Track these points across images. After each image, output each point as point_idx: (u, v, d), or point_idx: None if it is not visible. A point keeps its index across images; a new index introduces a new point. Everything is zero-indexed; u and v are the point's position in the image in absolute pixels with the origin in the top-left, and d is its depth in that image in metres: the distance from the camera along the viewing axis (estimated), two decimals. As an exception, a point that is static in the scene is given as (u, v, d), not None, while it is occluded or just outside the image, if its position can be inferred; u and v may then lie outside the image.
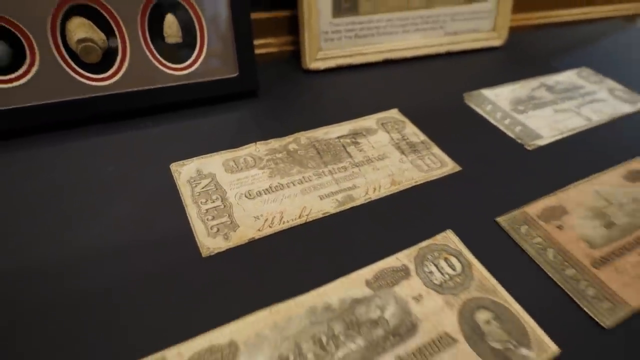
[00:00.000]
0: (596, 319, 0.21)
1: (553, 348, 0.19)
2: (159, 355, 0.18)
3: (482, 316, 0.21)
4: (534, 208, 0.27)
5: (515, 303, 0.21)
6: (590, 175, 0.30)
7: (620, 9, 0.62)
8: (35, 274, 0.21)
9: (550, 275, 0.23)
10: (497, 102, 0.37)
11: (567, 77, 0.43)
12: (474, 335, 0.20)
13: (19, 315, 0.19)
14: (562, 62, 0.46)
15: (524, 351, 0.19)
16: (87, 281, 0.21)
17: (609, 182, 0.30)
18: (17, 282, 0.20)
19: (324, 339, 0.19)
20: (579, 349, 0.20)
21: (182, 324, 0.19)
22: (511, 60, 0.45)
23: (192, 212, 0.25)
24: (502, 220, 0.26)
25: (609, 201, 0.28)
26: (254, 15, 0.37)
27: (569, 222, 0.26)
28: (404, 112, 0.35)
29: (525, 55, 0.46)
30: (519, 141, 0.33)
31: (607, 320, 0.21)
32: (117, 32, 0.29)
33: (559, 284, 0.22)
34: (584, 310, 0.21)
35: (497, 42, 0.46)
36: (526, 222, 0.26)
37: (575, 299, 0.22)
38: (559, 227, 0.26)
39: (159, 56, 0.30)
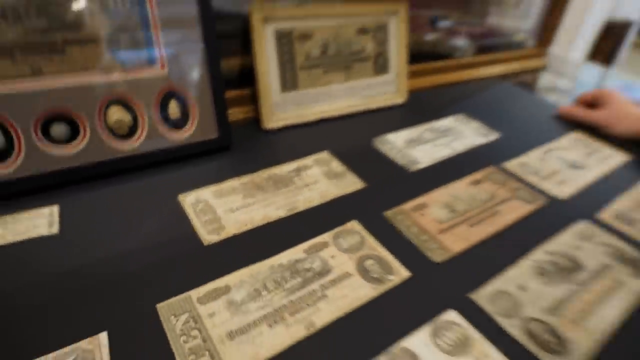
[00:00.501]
0: (433, 258, 0.37)
1: (406, 274, 0.35)
2: (185, 294, 0.32)
3: (368, 262, 0.36)
4: (409, 205, 0.44)
5: (388, 255, 0.37)
6: (448, 183, 0.47)
7: (495, 70, 0.83)
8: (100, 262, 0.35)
9: (411, 240, 0.39)
10: (396, 142, 0.55)
11: (447, 122, 0.61)
12: (363, 271, 0.35)
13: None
14: (446, 111, 0.65)
15: (390, 277, 0.35)
16: (134, 264, 0.35)
17: (459, 187, 0.47)
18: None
19: (279, 280, 0.34)
20: (421, 274, 0.36)
21: (198, 278, 0.34)
22: (410, 112, 0.63)
23: (195, 222, 0.40)
24: (388, 213, 0.42)
25: (455, 197, 0.45)
26: (228, 94, 0.54)
27: (428, 211, 0.43)
28: (332, 153, 0.51)
29: (420, 108, 0.65)
30: (406, 167, 0.50)
31: (438, 258, 0.37)
32: (137, 114, 0.45)
33: (416, 244, 0.39)
34: (425, 255, 0.37)
35: (399, 101, 0.64)
36: (402, 213, 0.42)
37: (422, 250, 0.38)
38: (422, 214, 0.42)
39: (166, 126, 0.46)
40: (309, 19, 0.55)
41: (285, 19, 0.53)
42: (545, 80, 0.88)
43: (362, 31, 0.59)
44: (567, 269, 0.38)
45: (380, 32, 0.61)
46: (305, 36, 0.55)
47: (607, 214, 0.46)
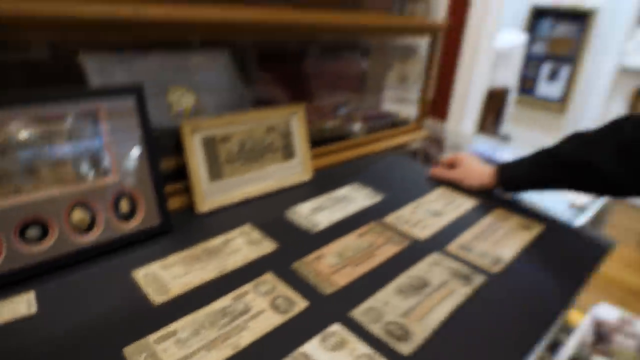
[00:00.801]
0: (324, 291, 0.52)
1: (305, 304, 0.50)
2: (145, 339, 0.45)
3: (278, 300, 0.51)
4: (310, 257, 0.59)
5: (293, 293, 0.52)
6: (341, 237, 0.64)
7: (385, 145, 1.05)
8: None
9: (310, 281, 0.54)
10: (302, 211, 0.71)
11: (343, 191, 0.79)
12: (274, 307, 0.49)
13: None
14: (343, 182, 0.83)
15: (293, 308, 0.49)
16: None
17: (348, 239, 0.64)
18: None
19: (213, 320, 0.47)
20: (316, 303, 0.50)
21: (153, 327, 0.46)
22: (314, 187, 0.81)
23: (147, 290, 0.52)
24: (294, 264, 0.57)
25: (345, 247, 0.61)
26: (167, 188, 0.68)
27: (324, 259, 0.59)
28: (253, 225, 0.67)
29: (323, 182, 0.83)
30: (310, 229, 0.66)
31: (328, 290, 0.52)
32: (96, 213, 0.58)
33: (313, 283, 0.54)
34: (319, 290, 0.52)
35: (306, 178, 0.82)
36: (304, 264, 0.58)
37: (317, 287, 0.53)
38: (319, 262, 0.58)
39: (118, 220, 0.60)
40: (228, 126, 0.72)
41: (209, 128, 0.70)
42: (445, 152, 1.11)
43: (271, 129, 0.78)
44: (418, 286, 0.54)
45: (285, 128, 0.80)
46: (225, 138, 0.72)
47: (453, 246, 0.64)
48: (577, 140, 0.71)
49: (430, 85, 1.12)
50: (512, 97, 2.62)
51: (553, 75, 3.31)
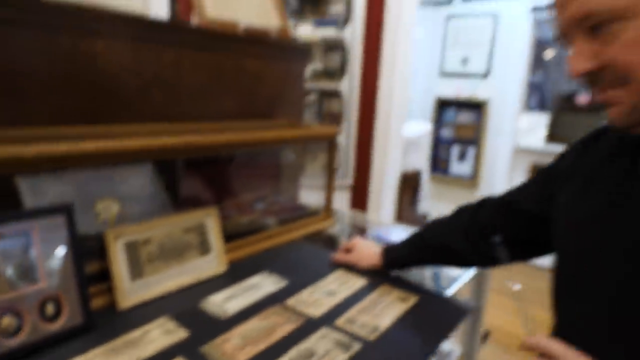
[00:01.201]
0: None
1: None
2: None
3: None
4: (219, 340, 0.70)
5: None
6: (247, 321, 0.75)
7: (297, 234, 1.21)
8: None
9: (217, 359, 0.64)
10: (216, 300, 0.82)
11: (254, 279, 0.92)
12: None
13: None
14: (255, 271, 0.96)
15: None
16: None
17: (254, 322, 0.75)
18: None
19: None
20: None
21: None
22: (229, 277, 0.93)
23: (69, 383, 0.60)
24: (204, 347, 0.68)
25: (251, 329, 0.73)
26: (92, 288, 0.77)
27: (231, 341, 0.69)
28: (169, 317, 0.76)
29: (237, 273, 0.95)
30: (221, 316, 0.77)
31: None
32: (23, 316, 0.66)
33: (218, 363, 0.64)
34: None
35: (221, 270, 0.94)
36: (213, 346, 0.68)
37: None
38: (226, 344, 0.68)
39: (44, 321, 0.68)
40: (148, 230, 0.84)
41: (131, 234, 0.82)
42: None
43: (188, 230, 0.91)
44: (306, 357, 0.67)
45: (200, 228, 0.93)
46: (146, 241, 0.84)
47: (341, 320, 0.78)
48: (436, 226, 0.91)
49: (333, 182, 1.31)
50: (425, 178, 2.95)
51: (462, 156, 3.76)
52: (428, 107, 3.87)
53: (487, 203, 0.84)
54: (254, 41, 1.28)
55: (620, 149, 0.58)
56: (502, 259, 0.74)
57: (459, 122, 3.77)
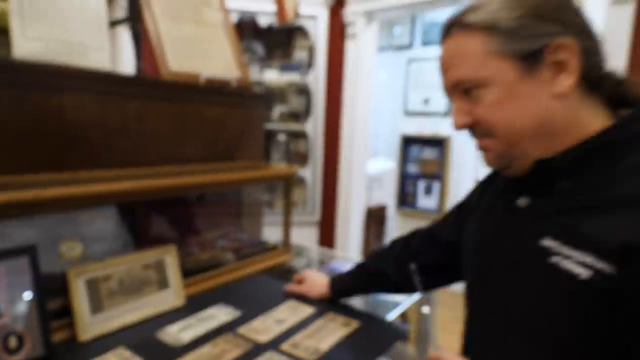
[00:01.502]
0: None
1: None
2: None
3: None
4: (169, 367, 0.76)
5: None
6: (200, 348, 0.82)
7: (256, 268, 1.28)
8: None
9: None
10: (171, 331, 0.89)
11: (210, 311, 0.99)
12: None
13: None
14: (211, 303, 1.03)
15: None
16: None
17: (206, 350, 0.82)
18: None
19: None
20: None
21: None
22: (187, 309, 0.99)
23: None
24: (155, 374, 0.74)
25: (202, 355, 0.80)
26: (54, 322, 0.83)
27: (180, 367, 0.76)
28: (126, 347, 0.83)
29: (196, 305, 1.02)
30: (175, 345, 0.84)
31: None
32: (-13, 351, 0.71)
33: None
34: None
35: (179, 304, 1.01)
36: (163, 372, 0.75)
37: None
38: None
39: (6, 354, 0.73)
40: (109, 268, 0.92)
41: (92, 271, 0.89)
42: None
43: (147, 266, 0.98)
44: (249, 378, 0.74)
45: (159, 264, 1.00)
46: (107, 278, 0.91)
47: (286, 345, 0.85)
48: (376, 256, 1.01)
49: (290, 218, 1.40)
50: (391, 213, 3.07)
51: (428, 190, 3.92)
52: (394, 144, 4.05)
53: (417, 234, 0.95)
54: (215, 91, 1.40)
55: (507, 185, 0.70)
56: (418, 285, 0.83)
57: (424, 158, 3.95)
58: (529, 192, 0.62)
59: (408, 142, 3.99)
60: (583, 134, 0.57)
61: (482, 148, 0.63)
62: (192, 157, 1.34)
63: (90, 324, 0.86)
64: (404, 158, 4.00)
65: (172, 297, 1.01)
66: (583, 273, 0.52)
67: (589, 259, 0.52)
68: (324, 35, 2.62)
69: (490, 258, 0.66)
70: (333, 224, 2.68)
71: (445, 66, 0.63)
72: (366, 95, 2.66)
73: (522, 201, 0.63)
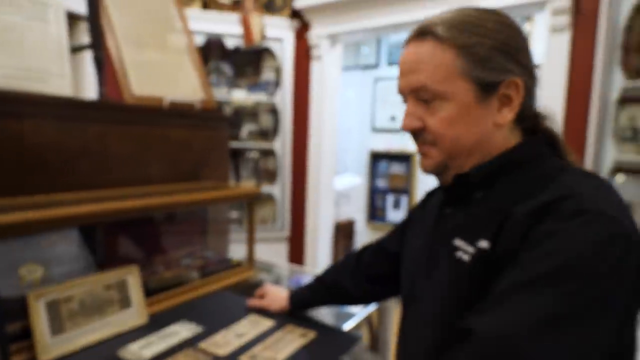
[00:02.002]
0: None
1: None
2: None
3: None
4: (128, 383, 0.79)
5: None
6: (157, 365, 0.85)
7: (220, 285, 1.31)
8: None
9: None
10: (133, 348, 0.91)
11: (173, 328, 1.01)
12: None
13: None
14: (174, 320, 1.05)
15: None
16: None
17: (163, 365, 0.85)
18: None
19: None
20: None
21: None
22: (150, 327, 1.02)
23: None
24: (114, 390, 0.76)
25: (158, 371, 0.82)
26: (15, 345, 0.84)
27: (139, 382, 0.79)
28: (87, 366, 0.84)
29: (159, 322, 1.04)
30: (134, 362, 0.86)
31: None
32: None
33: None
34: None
35: (142, 322, 1.03)
36: (122, 388, 0.77)
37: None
38: (134, 385, 0.78)
39: (-37, 379, 0.74)
40: (70, 289, 0.93)
41: (52, 293, 0.91)
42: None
43: (109, 287, 1.00)
44: (206, 389, 0.77)
45: (121, 284, 1.03)
46: (68, 299, 0.92)
47: (244, 357, 0.89)
48: (332, 269, 1.06)
49: (254, 236, 1.44)
50: (361, 227, 3.14)
51: (396, 204, 4.01)
52: (363, 160, 4.15)
53: (368, 248, 1.01)
54: (179, 114, 1.45)
55: (442, 197, 0.77)
56: (375, 296, 0.89)
57: (392, 173, 4.06)
58: (453, 202, 0.69)
59: (376, 157, 4.09)
60: (496, 153, 0.65)
61: (423, 153, 0.69)
62: (156, 178, 1.37)
63: (51, 345, 0.88)
64: (373, 173, 4.10)
65: (134, 315, 1.03)
66: (467, 256, 0.61)
67: (472, 245, 0.62)
68: (290, 56, 2.70)
69: (424, 261, 0.72)
70: (302, 240, 2.72)
71: (411, 68, 0.65)
72: (332, 114, 2.74)
73: (448, 210, 0.70)
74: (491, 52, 0.62)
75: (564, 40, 1.76)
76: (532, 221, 0.55)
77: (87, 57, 1.32)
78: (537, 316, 0.49)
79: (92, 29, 1.29)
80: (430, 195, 0.87)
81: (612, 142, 1.63)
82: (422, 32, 0.64)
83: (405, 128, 0.67)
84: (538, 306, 0.49)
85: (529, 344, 0.47)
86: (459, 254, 0.63)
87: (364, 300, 1.05)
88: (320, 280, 1.06)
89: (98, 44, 1.29)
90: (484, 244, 0.59)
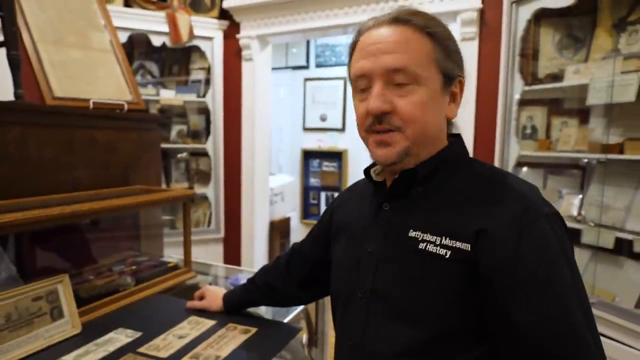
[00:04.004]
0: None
1: None
2: None
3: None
4: (67, 393, 0.77)
5: None
6: (96, 373, 0.83)
7: (156, 289, 1.30)
8: None
9: None
10: (69, 359, 0.89)
11: (109, 336, 0.99)
12: None
13: None
14: (110, 329, 1.03)
15: None
16: None
17: (102, 372, 0.84)
18: None
19: None
20: None
21: None
22: (85, 337, 0.99)
23: None
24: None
25: (97, 379, 0.81)
26: None
27: (78, 392, 0.77)
28: (18, 382, 0.81)
29: (94, 331, 1.01)
30: (71, 372, 0.84)
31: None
32: None
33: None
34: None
35: (76, 332, 1.00)
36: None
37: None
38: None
39: None
40: (-6, 303, 0.88)
41: (-26, 308, 0.85)
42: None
43: (37, 298, 0.96)
44: (150, 391, 0.78)
45: (51, 295, 0.99)
46: (-8, 314, 0.88)
47: (187, 358, 0.90)
48: (264, 271, 1.08)
49: (190, 238, 1.44)
50: (296, 224, 3.20)
51: (329, 202, 4.13)
52: (296, 159, 4.21)
53: (296, 250, 1.01)
54: (105, 115, 1.40)
55: (373, 198, 0.80)
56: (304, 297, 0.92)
57: (324, 171, 4.16)
58: (390, 198, 0.73)
59: (308, 156, 4.18)
60: (438, 150, 0.71)
61: (386, 142, 0.66)
62: (82, 183, 1.32)
63: (-25, 364, 0.83)
64: (305, 172, 4.18)
65: (67, 326, 0.99)
66: (447, 253, 0.63)
67: (446, 241, 0.64)
68: (220, 56, 2.68)
69: (372, 260, 0.72)
70: (239, 240, 2.71)
71: (391, 48, 0.64)
72: (264, 114, 2.76)
73: (386, 205, 0.73)
74: (455, 48, 0.69)
75: (473, 49, 1.95)
76: (512, 241, 0.61)
77: (1, 56, 1.23)
78: (573, 301, 0.60)
79: (6, 27, 1.21)
80: (335, 205, 0.91)
81: (515, 139, 1.84)
82: (397, 19, 0.66)
83: (375, 111, 0.64)
84: (567, 296, 0.60)
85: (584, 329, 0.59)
86: (423, 245, 0.65)
87: (297, 302, 1.09)
88: (253, 281, 1.08)
89: (13, 43, 1.21)
90: (462, 245, 0.62)
